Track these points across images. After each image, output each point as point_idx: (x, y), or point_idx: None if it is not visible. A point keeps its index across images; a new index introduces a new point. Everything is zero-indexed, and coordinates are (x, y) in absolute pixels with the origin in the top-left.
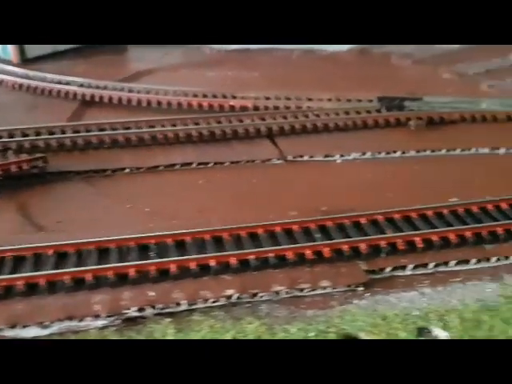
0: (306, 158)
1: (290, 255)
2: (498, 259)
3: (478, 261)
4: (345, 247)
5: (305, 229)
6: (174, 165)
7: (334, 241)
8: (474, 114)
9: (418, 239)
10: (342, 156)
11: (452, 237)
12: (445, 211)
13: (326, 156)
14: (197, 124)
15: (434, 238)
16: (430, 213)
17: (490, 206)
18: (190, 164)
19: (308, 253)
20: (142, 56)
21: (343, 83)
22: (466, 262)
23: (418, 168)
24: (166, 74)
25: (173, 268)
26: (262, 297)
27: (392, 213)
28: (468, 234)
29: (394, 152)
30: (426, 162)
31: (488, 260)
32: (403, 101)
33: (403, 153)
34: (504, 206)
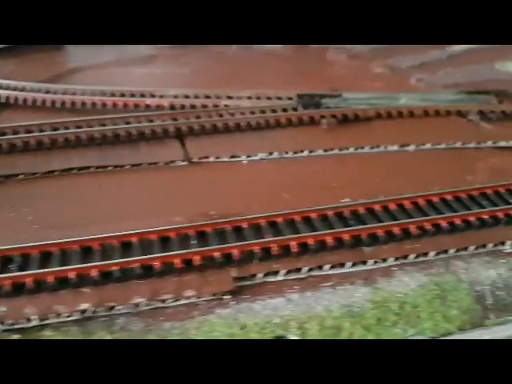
0: (211, 159)
1: (157, 265)
2: (375, 262)
3: (354, 264)
4: (216, 254)
5: (182, 236)
6: (71, 169)
7: (204, 248)
8: (390, 111)
9: (293, 243)
10: (248, 156)
11: (329, 240)
12: (329, 213)
13: (233, 156)
14: (103, 125)
15: (310, 241)
16: (313, 215)
17: (377, 207)
18: (88, 168)
19: (177, 261)
20: (76, 53)
21: (272, 80)
22: (342, 265)
23: (321, 167)
24: (96, 72)
25: (29, 282)
26: (119, 310)
27: (275, 216)
28: (346, 236)
29: (302, 151)
30: (331, 161)
31: (364, 263)
32: (322, 98)
33: (311, 152)
34: (392, 206)
